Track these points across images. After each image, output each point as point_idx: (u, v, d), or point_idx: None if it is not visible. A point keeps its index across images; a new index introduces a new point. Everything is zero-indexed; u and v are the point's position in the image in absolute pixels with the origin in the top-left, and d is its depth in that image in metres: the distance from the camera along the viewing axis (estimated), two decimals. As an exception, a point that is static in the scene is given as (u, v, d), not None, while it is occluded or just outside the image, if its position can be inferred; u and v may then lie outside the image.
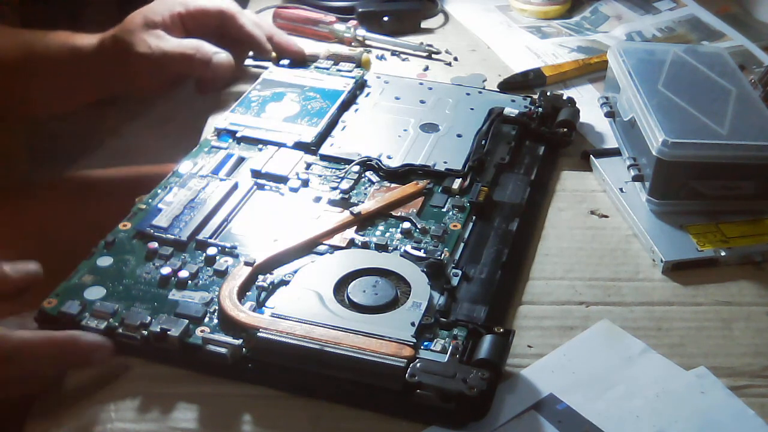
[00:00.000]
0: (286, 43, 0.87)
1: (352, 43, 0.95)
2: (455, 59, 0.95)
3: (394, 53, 0.96)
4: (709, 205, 0.69)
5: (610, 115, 0.79)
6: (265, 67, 0.87)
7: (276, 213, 0.66)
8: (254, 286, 0.58)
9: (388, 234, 0.64)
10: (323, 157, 0.73)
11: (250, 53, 0.89)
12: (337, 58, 0.88)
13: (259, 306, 0.57)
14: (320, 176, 0.70)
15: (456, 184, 0.69)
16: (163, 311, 0.56)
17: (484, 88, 0.85)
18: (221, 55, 0.81)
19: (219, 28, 0.85)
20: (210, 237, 0.63)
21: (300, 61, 0.87)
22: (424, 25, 1.02)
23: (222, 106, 0.83)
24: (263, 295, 0.58)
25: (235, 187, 0.68)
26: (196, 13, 0.83)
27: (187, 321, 0.55)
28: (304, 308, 0.56)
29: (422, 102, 0.81)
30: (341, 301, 0.57)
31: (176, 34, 0.81)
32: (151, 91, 0.88)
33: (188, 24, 0.82)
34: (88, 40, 0.82)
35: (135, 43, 0.79)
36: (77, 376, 0.55)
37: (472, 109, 0.80)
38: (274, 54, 0.87)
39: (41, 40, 0.83)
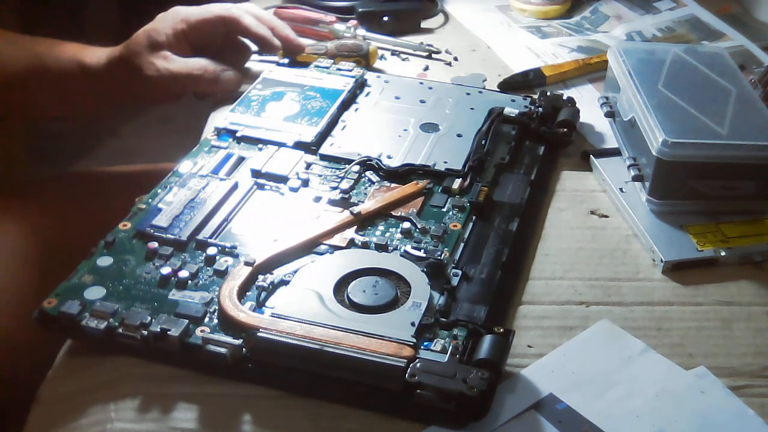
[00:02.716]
0: (285, 38, 0.87)
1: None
2: (455, 59, 0.95)
3: (394, 53, 0.96)
4: (709, 205, 0.69)
5: (610, 115, 0.79)
6: (274, 62, 0.88)
7: (276, 213, 0.66)
8: (254, 286, 0.58)
9: (388, 234, 0.64)
10: (323, 157, 0.73)
11: (255, 49, 0.89)
12: (343, 49, 0.88)
13: (259, 306, 0.57)
14: (320, 176, 0.70)
15: (456, 184, 0.69)
16: (163, 311, 0.56)
17: (484, 88, 0.85)
18: (228, 73, 0.82)
19: (224, 35, 0.85)
20: (210, 237, 0.63)
21: (297, 53, 0.88)
22: (424, 25, 1.02)
23: (222, 106, 0.83)
24: (263, 295, 0.58)
25: (235, 186, 0.68)
26: (198, 25, 0.82)
27: (187, 321, 0.55)
28: (304, 308, 0.56)
29: (422, 102, 0.81)
30: (341, 301, 0.57)
31: (182, 51, 0.82)
32: (157, 104, 0.89)
33: (193, 38, 0.83)
34: (97, 56, 0.83)
35: (142, 67, 0.80)
36: (78, 375, 0.55)
37: (472, 109, 0.80)
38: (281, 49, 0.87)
39: (51, 52, 0.84)
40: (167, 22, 0.82)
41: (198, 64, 0.81)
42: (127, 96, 0.86)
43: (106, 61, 0.82)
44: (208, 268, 0.60)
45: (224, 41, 0.85)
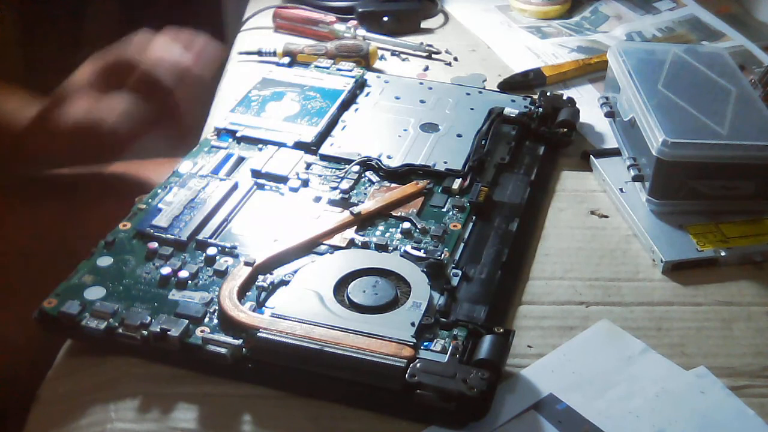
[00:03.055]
0: (177, 65, 0.74)
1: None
2: (455, 59, 0.95)
3: (394, 53, 0.96)
4: (709, 205, 0.69)
5: (610, 115, 0.79)
6: (274, 62, 0.89)
7: (276, 213, 0.66)
8: (254, 286, 0.58)
9: (388, 234, 0.64)
10: (323, 157, 0.73)
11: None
12: (343, 49, 0.88)
13: (259, 306, 0.57)
14: (320, 176, 0.70)
15: (456, 184, 0.69)
16: (163, 311, 0.56)
17: (484, 88, 0.85)
18: (119, 111, 0.71)
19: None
20: (210, 237, 0.63)
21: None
22: (424, 25, 1.02)
23: (222, 106, 0.83)
24: (263, 295, 0.58)
25: (235, 187, 0.68)
26: (106, 71, 0.73)
27: (187, 321, 0.55)
28: (304, 308, 0.56)
29: (422, 102, 0.81)
30: (341, 301, 0.57)
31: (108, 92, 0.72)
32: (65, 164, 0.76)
33: (111, 83, 0.73)
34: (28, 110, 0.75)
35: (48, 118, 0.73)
36: (78, 375, 0.55)
37: (472, 109, 0.80)
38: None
39: (5, 104, 0.77)
40: (80, 71, 0.73)
41: (82, 112, 0.71)
42: (44, 156, 0.75)
43: (26, 121, 0.73)
44: (208, 268, 0.60)
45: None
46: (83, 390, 0.54)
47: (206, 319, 0.56)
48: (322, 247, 0.62)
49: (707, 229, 0.67)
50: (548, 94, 0.83)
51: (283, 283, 0.59)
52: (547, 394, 0.54)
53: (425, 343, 0.54)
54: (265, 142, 0.74)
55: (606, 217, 0.71)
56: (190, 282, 0.59)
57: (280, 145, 0.74)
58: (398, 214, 0.66)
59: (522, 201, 0.70)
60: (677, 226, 0.68)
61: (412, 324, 0.55)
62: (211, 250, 0.61)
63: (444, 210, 0.67)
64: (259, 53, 0.92)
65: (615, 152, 0.76)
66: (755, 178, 0.68)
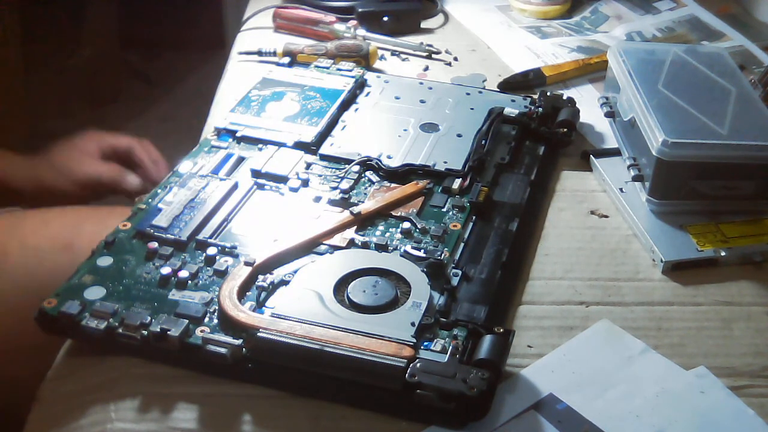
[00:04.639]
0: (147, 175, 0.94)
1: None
2: (455, 59, 0.95)
3: (394, 53, 0.96)
4: (709, 205, 0.69)
5: (610, 115, 0.79)
6: (274, 62, 0.89)
7: (276, 213, 0.66)
8: (254, 286, 0.58)
9: (388, 234, 0.64)
10: (323, 157, 0.73)
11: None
12: (343, 49, 0.88)
13: (259, 306, 0.57)
14: (320, 176, 0.70)
15: (456, 184, 0.69)
16: (163, 311, 0.56)
17: (484, 88, 0.85)
18: (132, 177, 0.93)
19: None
20: (210, 237, 0.63)
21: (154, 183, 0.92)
22: (424, 25, 1.02)
23: (222, 106, 0.83)
24: (263, 295, 0.58)
25: (235, 186, 0.68)
26: (113, 149, 0.95)
27: (187, 321, 0.55)
28: (304, 308, 0.56)
29: (422, 102, 0.81)
30: (341, 301, 0.57)
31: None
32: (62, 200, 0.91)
33: (108, 154, 0.94)
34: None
35: (71, 160, 0.93)
36: (78, 375, 0.55)
37: (472, 109, 0.80)
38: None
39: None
40: (91, 137, 0.95)
41: (105, 167, 0.92)
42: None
43: (30, 158, 0.93)
44: (208, 268, 0.60)
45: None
46: (83, 390, 0.54)
47: (206, 319, 0.56)
48: (322, 247, 0.62)
49: (707, 229, 0.67)
50: (548, 94, 0.83)
51: (283, 283, 0.59)
52: (547, 394, 0.54)
53: (425, 343, 0.54)
54: (265, 142, 0.74)
55: (606, 217, 0.71)
56: (190, 282, 0.59)
57: (280, 145, 0.74)
58: (398, 214, 0.66)
59: (522, 201, 0.70)
60: (677, 226, 0.68)
61: (412, 324, 0.55)
62: (211, 250, 0.61)
63: (444, 210, 0.67)
64: (259, 53, 0.92)
65: (615, 152, 0.76)
66: (755, 178, 0.68)
